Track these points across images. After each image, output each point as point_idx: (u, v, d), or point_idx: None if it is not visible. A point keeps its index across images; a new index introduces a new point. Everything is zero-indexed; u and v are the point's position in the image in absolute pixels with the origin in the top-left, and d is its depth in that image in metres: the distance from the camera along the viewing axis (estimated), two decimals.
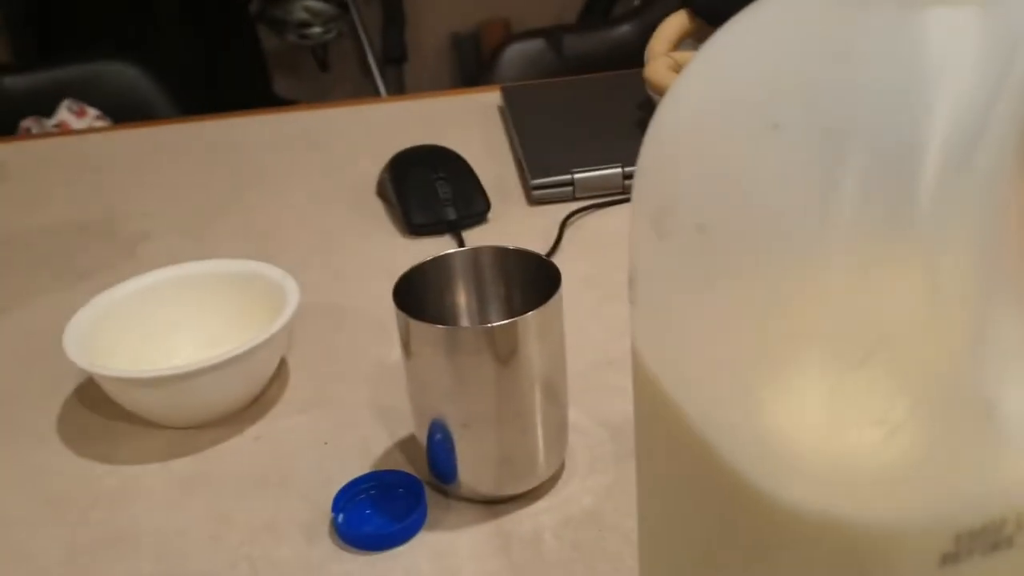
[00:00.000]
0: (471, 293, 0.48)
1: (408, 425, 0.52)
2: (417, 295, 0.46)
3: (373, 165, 0.79)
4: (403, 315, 0.43)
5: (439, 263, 0.47)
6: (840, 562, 0.21)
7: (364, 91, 2.44)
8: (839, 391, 0.19)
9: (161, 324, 0.57)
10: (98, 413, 0.55)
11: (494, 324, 0.42)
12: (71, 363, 0.50)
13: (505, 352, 0.42)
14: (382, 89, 2.25)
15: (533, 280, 0.46)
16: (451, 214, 0.70)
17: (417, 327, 0.43)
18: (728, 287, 0.22)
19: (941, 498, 0.20)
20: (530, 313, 0.43)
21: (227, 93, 1.96)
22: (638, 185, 0.26)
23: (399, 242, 0.71)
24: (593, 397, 0.52)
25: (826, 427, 0.20)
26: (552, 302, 0.44)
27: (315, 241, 0.72)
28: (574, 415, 0.50)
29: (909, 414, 0.19)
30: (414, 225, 0.70)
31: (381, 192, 0.76)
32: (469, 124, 0.89)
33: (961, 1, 0.20)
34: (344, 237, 0.72)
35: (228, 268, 0.58)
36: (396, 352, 0.58)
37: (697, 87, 0.25)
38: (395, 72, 2.38)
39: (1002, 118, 0.20)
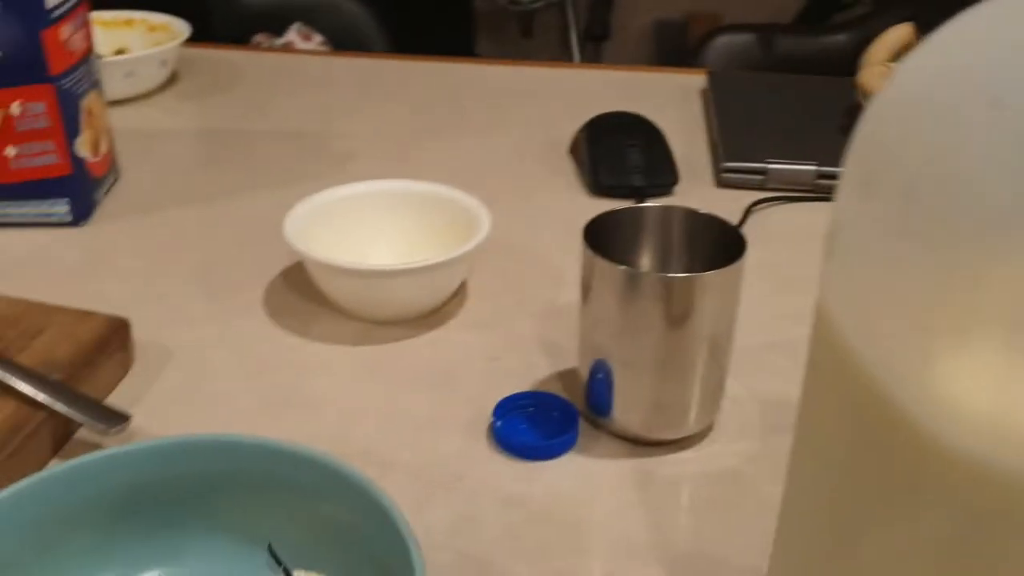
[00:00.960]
0: (655, 248, 0.51)
1: (570, 361, 0.55)
2: (604, 240, 0.49)
3: (569, 126, 0.83)
4: (590, 252, 0.47)
5: (630, 214, 0.50)
6: (992, 509, 0.23)
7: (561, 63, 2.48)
8: (1014, 365, 0.21)
9: (364, 230, 0.62)
10: (298, 296, 0.61)
11: (675, 275, 0.45)
12: (279, 250, 0.56)
13: (680, 305, 0.45)
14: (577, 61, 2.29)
15: (718, 247, 0.49)
16: (638, 181, 0.73)
17: (602, 265, 0.46)
18: (924, 253, 0.24)
19: None
20: (711, 272, 0.45)
21: (435, 44, 2.04)
22: (854, 144, 0.28)
23: (583, 200, 0.74)
24: (752, 373, 0.54)
25: (998, 387, 0.22)
26: (734, 267, 0.46)
27: (504, 186, 0.76)
28: (731, 386, 0.52)
29: None
30: (600, 185, 0.73)
31: (574, 150, 0.80)
32: (668, 102, 0.91)
33: None
34: (531, 187, 0.76)
35: (429, 190, 0.63)
36: (566, 295, 0.62)
37: (925, 62, 0.27)
38: (594, 49, 2.41)
39: None
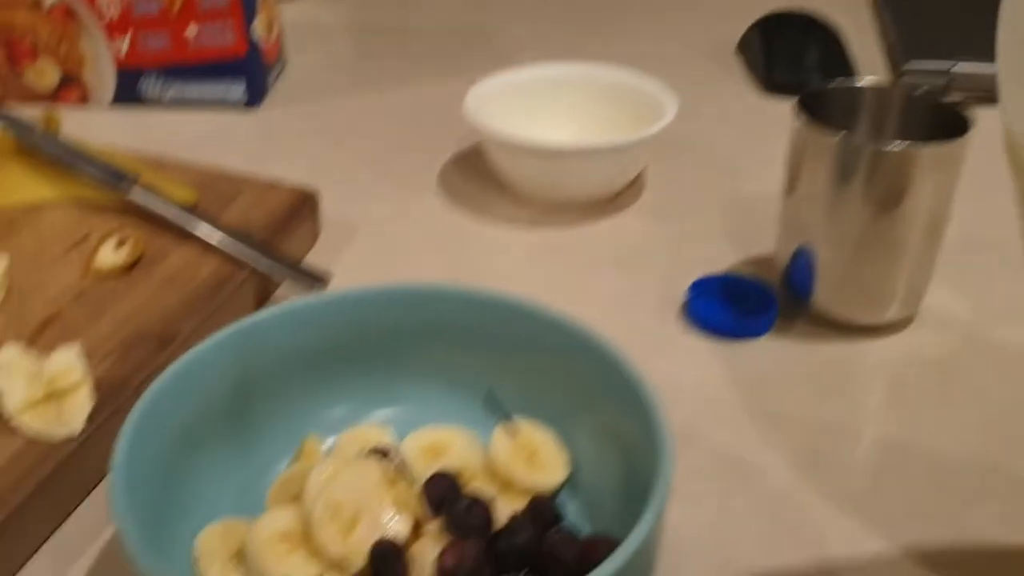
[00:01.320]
0: (869, 129, 0.48)
1: (758, 249, 0.53)
2: (815, 117, 0.46)
3: (733, 26, 0.80)
4: (804, 120, 0.44)
5: (845, 92, 0.48)
6: None
7: None
8: None
9: (542, 114, 0.61)
10: (472, 179, 0.61)
11: (894, 147, 0.42)
12: (449, 136, 0.55)
13: (898, 181, 0.43)
14: None
15: (936, 129, 0.45)
16: (816, 79, 0.70)
17: (815, 137, 0.44)
18: None
19: None
20: (931, 146, 0.42)
21: None
22: None
23: (755, 97, 0.71)
24: (955, 266, 0.51)
25: None
26: (957, 143, 0.43)
27: (672, 83, 0.74)
28: (935, 276, 0.50)
29: None
30: (775, 83, 0.71)
31: (743, 48, 0.77)
32: (833, 7, 0.87)
33: None
34: (701, 84, 0.73)
35: (613, 74, 0.61)
36: (747, 188, 0.60)
37: None
38: None
39: None
